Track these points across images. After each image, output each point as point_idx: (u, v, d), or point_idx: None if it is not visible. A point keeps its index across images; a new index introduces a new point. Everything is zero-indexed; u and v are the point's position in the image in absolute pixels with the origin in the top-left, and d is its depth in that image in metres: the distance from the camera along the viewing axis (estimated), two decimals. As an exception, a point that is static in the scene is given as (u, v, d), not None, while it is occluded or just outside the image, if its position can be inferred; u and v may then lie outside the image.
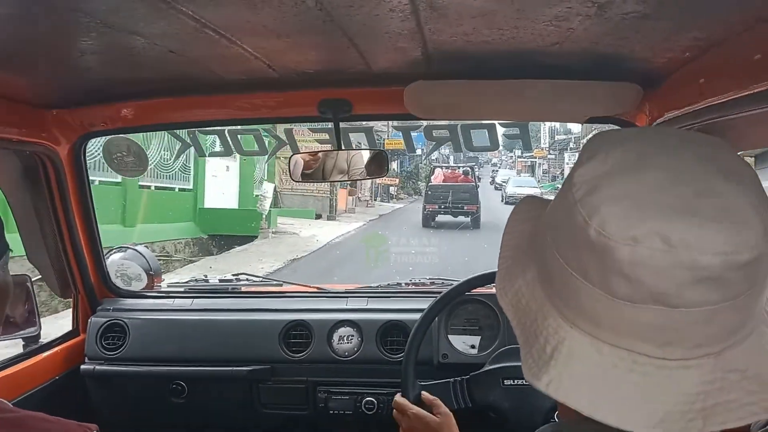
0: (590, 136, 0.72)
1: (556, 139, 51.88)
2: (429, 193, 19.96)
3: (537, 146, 50.86)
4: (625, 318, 0.59)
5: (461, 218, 19.15)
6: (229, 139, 1.94)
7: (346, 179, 1.87)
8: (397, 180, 27.36)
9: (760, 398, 0.60)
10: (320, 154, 1.86)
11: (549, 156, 53.29)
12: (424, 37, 1.23)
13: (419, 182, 35.85)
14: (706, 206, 0.57)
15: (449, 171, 22.67)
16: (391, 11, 1.04)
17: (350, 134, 1.82)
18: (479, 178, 22.92)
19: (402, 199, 33.46)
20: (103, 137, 2.02)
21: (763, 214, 0.58)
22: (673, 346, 0.59)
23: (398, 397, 1.58)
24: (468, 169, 22.71)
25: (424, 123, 1.88)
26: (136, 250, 2.45)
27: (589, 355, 0.61)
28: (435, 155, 36.64)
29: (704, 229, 0.55)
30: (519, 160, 60.40)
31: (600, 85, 1.52)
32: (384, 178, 20.55)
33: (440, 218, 19.36)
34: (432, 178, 21.71)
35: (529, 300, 0.69)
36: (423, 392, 1.59)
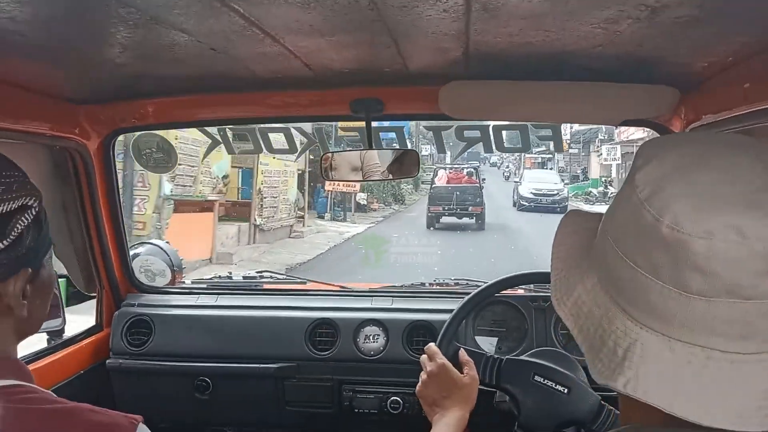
0: (634, 136, 0.75)
1: (576, 129, 39.55)
2: (433, 194, 19.84)
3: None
4: (698, 313, 0.60)
5: (466, 219, 19.08)
6: (259, 136, 1.94)
7: (372, 179, 1.86)
8: (357, 186, 18.54)
9: None
10: (348, 154, 1.86)
11: (571, 150, 42.01)
12: (469, 37, 1.22)
13: (404, 185, 30.10)
14: (766, 201, 0.59)
15: (453, 172, 22.45)
16: (445, 12, 1.04)
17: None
18: (483, 179, 22.68)
19: (374, 211, 24.50)
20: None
21: None
22: (746, 340, 0.60)
23: (432, 345, 1.57)
24: (472, 169, 22.57)
25: (455, 124, 1.88)
26: (159, 246, 2.46)
27: (662, 354, 0.63)
28: (426, 152, 35.66)
29: None
30: (528, 156, 49.34)
31: (636, 87, 1.51)
32: (341, 185, 16.96)
33: (445, 220, 19.28)
34: (435, 179, 21.55)
35: (591, 307, 0.70)
36: (462, 349, 1.58)
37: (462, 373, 1.50)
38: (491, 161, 57.57)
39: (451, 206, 19.10)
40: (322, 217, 20.45)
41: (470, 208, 19.17)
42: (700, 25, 1.07)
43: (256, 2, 1.02)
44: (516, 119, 1.72)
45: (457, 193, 19.42)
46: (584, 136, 39.04)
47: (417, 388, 1.51)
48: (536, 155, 45.75)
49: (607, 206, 0.75)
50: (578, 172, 41.95)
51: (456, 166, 24.02)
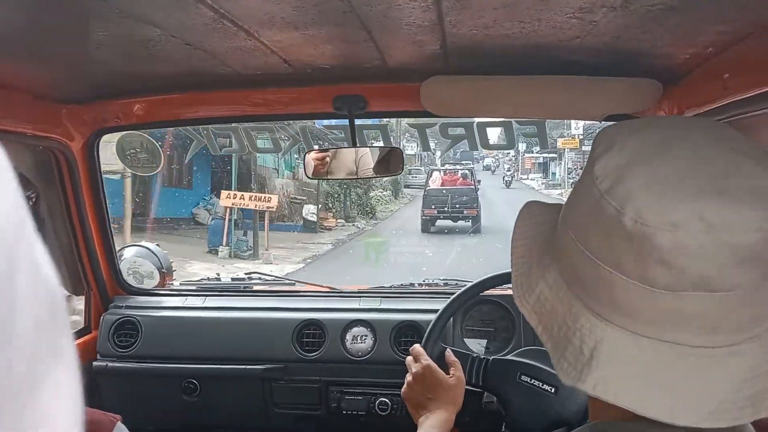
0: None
1: (590, 123, 30.78)
2: (427, 197, 19.45)
3: (563, 134, 34.53)
4: (665, 308, 0.58)
5: (461, 223, 18.76)
6: (243, 136, 1.93)
7: (358, 177, 1.85)
8: (274, 200, 13.63)
9: None
10: (332, 152, 1.85)
11: (584, 148, 32.19)
12: (444, 29, 1.21)
13: (377, 191, 25.19)
14: (736, 186, 0.56)
15: (447, 174, 22.10)
16: (414, 0, 1.03)
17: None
18: (479, 180, 22.32)
19: (328, 230, 18.25)
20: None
21: None
22: (714, 333, 0.58)
23: (417, 346, 1.55)
24: (467, 171, 22.21)
25: (439, 121, 1.86)
26: (148, 248, 2.45)
27: (630, 352, 0.60)
28: (411, 150, 34.93)
29: (740, 207, 0.55)
30: (527, 156, 45.62)
31: (618, 81, 1.50)
32: (247, 199, 12.74)
33: (440, 223, 18.91)
34: (429, 181, 21.13)
35: (554, 303, 0.67)
36: (448, 350, 1.56)
37: (448, 374, 1.48)
38: (485, 163, 50.92)
39: (446, 209, 18.73)
40: (214, 252, 13.60)
41: (465, 211, 18.77)
42: (675, 14, 1.06)
43: None
44: (498, 115, 1.70)
45: (452, 195, 19.03)
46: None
47: (402, 390, 1.49)
48: (537, 155, 42.19)
49: None
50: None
51: (450, 167, 23.81)
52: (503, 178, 37.28)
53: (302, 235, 16.96)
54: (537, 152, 40.34)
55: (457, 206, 18.75)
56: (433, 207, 18.91)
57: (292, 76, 1.59)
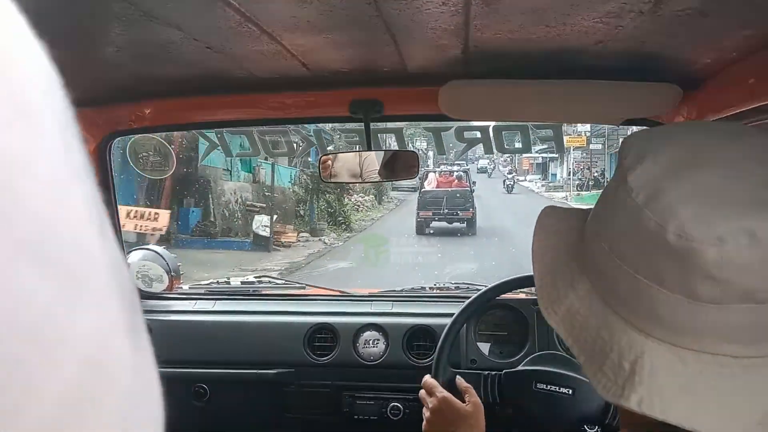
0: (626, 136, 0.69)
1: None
2: (422, 199, 19.38)
3: (567, 132, 29.29)
4: (709, 321, 0.57)
5: (457, 224, 18.73)
6: (257, 139, 1.92)
7: (376, 180, 1.84)
8: (163, 218, 9.54)
9: None
10: (347, 156, 1.84)
11: (592, 146, 31.68)
12: (469, 33, 1.20)
13: (354, 196, 22.89)
14: None
15: (443, 175, 21.99)
16: (443, 5, 1.02)
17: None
18: (474, 182, 22.03)
19: (285, 247, 14.70)
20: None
21: None
22: (757, 343, 0.58)
23: (428, 377, 1.55)
24: (462, 173, 22.03)
25: (455, 125, 1.86)
26: (155, 251, 2.43)
27: (674, 366, 0.59)
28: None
29: None
30: (525, 156, 42.25)
31: (638, 85, 1.49)
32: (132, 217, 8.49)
33: (435, 225, 18.86)
34: (425, 183, 20.96)
35: (587, 316, 0.66)
36: (458, 377, 1.56)
37: (464, 401, 1.48)
38: (479, 165, 46.37)
39: (441, 211, 18.66)
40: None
41: (461, 213, 18.69)
42: (703, 19, 1.05)
43: None
44: (516, 119, 1.70)
45: (447, 197, 18.97)
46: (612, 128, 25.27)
47: (423, 426, 1.49)
48: (536, 155, 39.21)
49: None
50: (594, 175, 31.94)
51: (446, 169, 23.75)
52: (504, 182, 33.32)
53: (247, 256, 13.15)
54: (536, 152, 37.20)
55: (452, 208, 18.70)
56: (428, 209, 18.85)
57: (309, 80, 1.58)
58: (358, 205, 23.38)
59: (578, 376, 1.58)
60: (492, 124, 1.81)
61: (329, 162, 1.78)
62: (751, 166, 0.59)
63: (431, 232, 18.40)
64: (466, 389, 1.52)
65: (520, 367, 1.65)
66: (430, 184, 20.93)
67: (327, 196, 19.51)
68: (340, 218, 19.69)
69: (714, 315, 0.57)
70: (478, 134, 1.83)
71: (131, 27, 1.16)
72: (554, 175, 38.79)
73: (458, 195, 19.28)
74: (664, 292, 0.58)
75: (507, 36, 1.22)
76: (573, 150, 31.33)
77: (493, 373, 1.60)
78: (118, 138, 1.96)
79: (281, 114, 1.78)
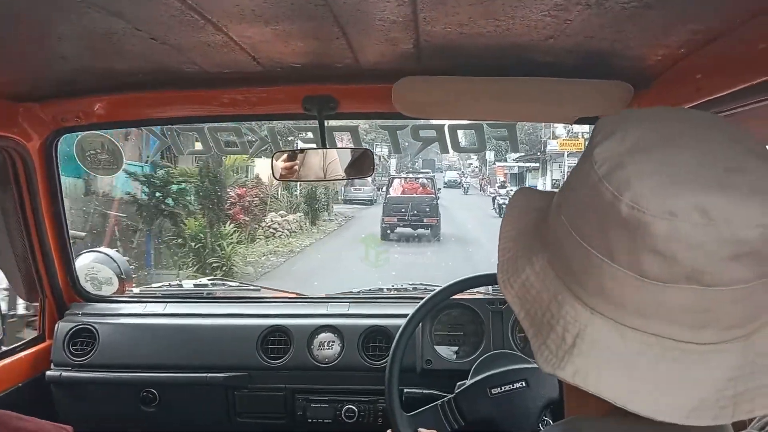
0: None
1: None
2: (388, 205, 19.24)
3: (555, 135, 27.64)
4: (655, 300, 0.56)
5: (421, 231, 18.60)
6: (209, 136, 1.88)
7: (327, 179, 1.82)
8: None
9: None
10: (302, 153, 1.81)
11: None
12: (418, 26, 1.19)
13: (269, 216, 15.48)
14: (739, 182, 0.55)
15: (408, 182, 21.88)
16: None
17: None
18: (439, 189, 22.18)
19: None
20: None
21: None
22: (703, 329, 0.57)
23: None
24: (427, 180, 21.98)
25: (411, 123, 1.85)
26: (106, 253, 2.37)
27: (614, 343, 0.59)
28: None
29: (742, 202, 0.54)
30: (497, 165, 35.76)
31: (590, 83, 1.50)
32: None
33: (400, 230, 18.69)
34: (390, 189, 20.84)
35: (539, 290, 0.66)
36: (420, 430, 1.55)
37: None
38: (446, 179, 38.98)
39: (406, 217, 18.57)
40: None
41: (425, 220, 18.63)
42: (648, 13, 1.06)
43: None
44: (471, 117, 1.70)
45: (413, 203, 18.91)
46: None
47: None
48: (512, 164, 33.73)
49: None
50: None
51: (411, 176, 23.78)
52: (494, 200, 24.84)
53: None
54: (514, 160, 32.75)
55: (417, 214, 18.64)
56: (393, 215, 18.74)
57: (261, 75, 1.55)
58: (275, 229, 15.84)
59: (529, 366, 1.59)
60: (447, 122, 1.80)
61: (282, 159, 1.75)
62: (716, 152, 0.58)
63: (395, 238, 18.29)
64: None
65: (468, 382, 1.64)
66: (396, 191, 20.92)
67: (196, 218, 12.08)
68: (215, 260, 11.63)
69: (659, 294, 0.56)
70: (434, 133, 1.82)
71: (72, 15, 1.12)
72: (534, 187, 35.73)
73: (423, 202, 19.28)
74: (614, 267, 0.57)
75: (457, 30, 1.22)
76: (567, 156, 26.06)
77: (447, 399, 1.59)
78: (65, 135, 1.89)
79: (233, 110, 1.75)
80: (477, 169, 45.19)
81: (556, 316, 0.62)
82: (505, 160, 34.52)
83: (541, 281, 0.66)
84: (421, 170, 28.24)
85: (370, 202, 26.72)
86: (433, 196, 19.91)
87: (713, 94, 1.15)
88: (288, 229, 16.45)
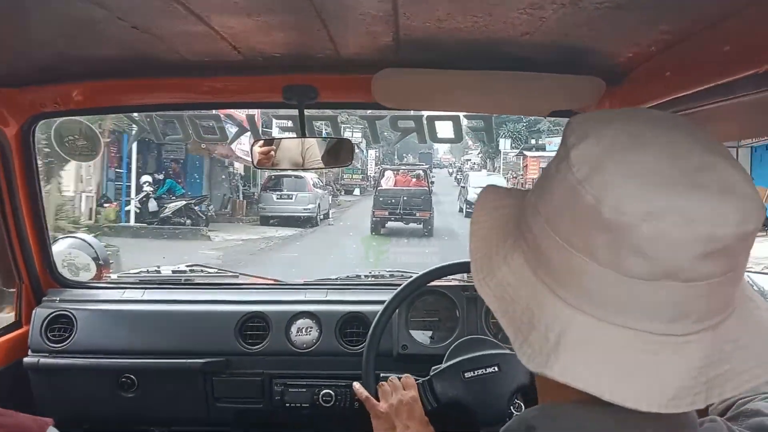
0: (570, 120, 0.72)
1: None
2: (378, 197, 18.66)
3: None
4: (635, 296, 0.60)
5: (413, 225, 18.16)
6: (188, 123, 1.88)
7: (305, 168, 1.84)
8: None
9: (750, 366, 0.62)
10: (282, 142, 1.83)
11: None
12: (398, 21, 1.22)
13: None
14: (708, 180, 0.59)
15: (401, 174, 21.29)
16: None
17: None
18: (432, 182, 21.48)
19: None
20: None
21: (754, 187, 0.60)
22: (679, 322, 0.61)
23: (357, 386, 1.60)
24: (420, 172, 21.41)
25: (389, 113, 1.87)
26: (84, 239, 2.37)
27: (598, 339, 0.62)
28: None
29: (717, 201, 0.58)
30: (531, 156, 28.71)
31: (564, 78, 1.54)
32: None
33: (391, 225, 18.22)
34: (381, 181, 20.32)
35: (517, 288, 0.67)
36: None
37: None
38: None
39: (398, 211, 18.08)
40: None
41: (417, 213, 18.14)
42: (622, 13, 1.09)
43: None
44: (448, 109, 1.73)
45: (405, 196, 18.35)
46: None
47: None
48: (548, 153, 24.07)
49: None
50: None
51: (404, 167, 23.01)
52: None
53: None
54: (552, 149, 21.41)
55: (409, 208, 18.12)
56: (384, 208, 18.18)
57: (242, 64, 1.56)
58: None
59: (502, 352, 1.63)
60: (425, 113, 1.83)
61: (262, 148, 1.76)
62: (686, 150, 0.62)
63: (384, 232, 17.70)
64: (383, 393, 1.57)
65: (444, 365, 1.68)
66: (387, 183, 20.27)
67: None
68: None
69: (640, 291, 0.59)
70: (413, 123, 1.85)
71: (53, 2, 1.13)
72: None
73: (416, 195, 18.68)
74: (594, 266, 0.60)
75: (436, 25, 1.24)
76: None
77: (421, 380, 1.63)
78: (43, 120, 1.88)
79: (213, 98, 1.76)
80: (477, 166, 40.46)
81: (537, 314, 0.65)
82: (543, 149, 27.57)
83: (518, 280, 0.68)
84: (421, 165, 25.55)
85: (310, 224, 18.44)
86: (427, 188, 19.30)
87: (680, 92, 1.19)
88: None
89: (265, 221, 18.14)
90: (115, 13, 1.18)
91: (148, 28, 1.28)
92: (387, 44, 1.40)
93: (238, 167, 21.72)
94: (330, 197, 22.05)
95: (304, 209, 18.29)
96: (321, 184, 20.44)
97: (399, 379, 1.59)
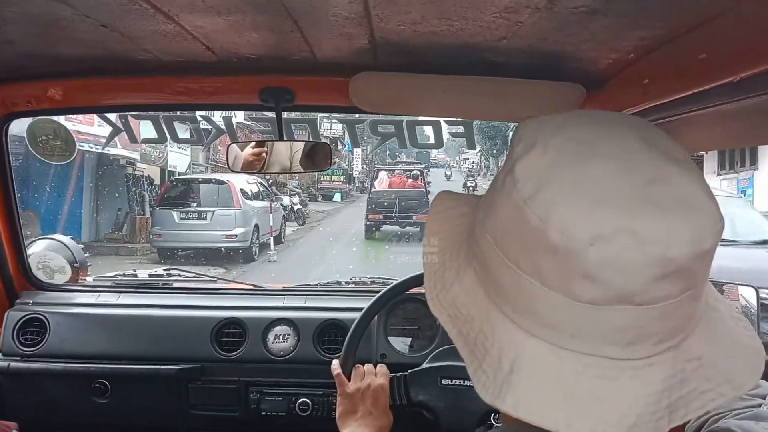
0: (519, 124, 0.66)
1: None
2: (372, 200, 17.63)
3: None
4: (589, 322, 0.56)
5: (409, 229, 16.88)
6: (163, 125, 1.85)
7: (286, 172, 1.81)
8: None
9: (715, 384, 0.59)
10: (264, 145, 1.79)
11: None
12: (371, 23, 1.19)
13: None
14: (662, 195, 0.54)
15: (396, 175, 19.92)
16: None
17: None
18: (429, 182, 20.47)
19: None
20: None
21: (713, 199, 0.56)
22: (637, 345, 0.57)
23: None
24: (417, 172, 20.10)
25: (369, 118, 1.84)
26: (60, 241, 2.32)
27: (552, 366, 0.58)
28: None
29: (669, 220, 0.53)
30: None
31: (543, 84, 1.51)
32: None
33: (386, 228, 17.13)
34: (375, 182, 19.13)
35: (470, 308, 0.63)
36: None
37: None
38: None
39: (393, 214, 17.05)
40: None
41: (415, 217, 16.83)
42: (597, 18, 1.07)
43: None
44: (426, 114, 1.70)
45: (400, 199, 17.32)
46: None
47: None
48: None
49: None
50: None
51: (399, 168, 22.20)
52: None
53: None
54: None
55: (406, 210, 17.01)
56: (378, 211, 17.17)
57: (217, 64, 1.53)
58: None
59: None
60: (405, 118, 1.80)
61: (237, 150, 1.73)
62: (639, 160, 0.57)
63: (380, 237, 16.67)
64: (358, 374, 1.54)
65: (424, 365, 1.65)
66: (381, 184, 18.99)
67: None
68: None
69: (592, 316, 0.55)
70: (392, 128, 1.82)
71: (17, 0, 1.10)
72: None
73: (412, 197, 17.66)
74: (544, 290, 0.56)
75: (411, 28, 1.22)
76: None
77: (399, 375, 1.60)
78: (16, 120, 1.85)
79: (188, 99, 1.72)
80: (476, 165, 39.27)
81: (490, 338, 0.60)
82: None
83: (471, 300, 0.63)
84: (417, 166, 23.66)
85: (242, 258, 11.95)
86: (424, 190, 18.35)
87: (659, 99, 1.17)
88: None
89: (165, 255, 11.52)
90: (81, 11, 1.15)
91: (116, 26, 1.25)
92: (363, 47, 1.37)
93: (143, 168, 15.47)
94: (298, 207, 18.19)
95: (228, 237, 11.50)
96: (262, 191, 14.44)
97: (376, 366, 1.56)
